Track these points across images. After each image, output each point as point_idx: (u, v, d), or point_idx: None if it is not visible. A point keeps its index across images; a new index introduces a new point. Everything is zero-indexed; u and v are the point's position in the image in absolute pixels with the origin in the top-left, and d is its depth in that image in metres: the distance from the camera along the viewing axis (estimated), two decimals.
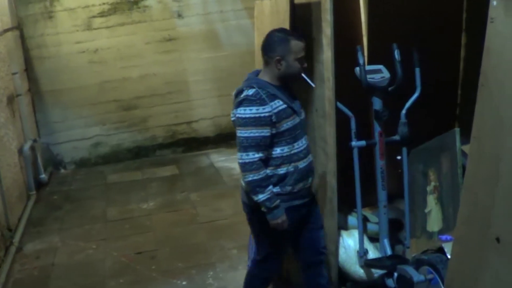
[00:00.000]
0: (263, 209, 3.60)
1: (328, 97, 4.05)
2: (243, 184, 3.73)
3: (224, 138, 9.24)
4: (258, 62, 5.06)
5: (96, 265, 5.57)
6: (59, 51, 8.38)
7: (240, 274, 5.07)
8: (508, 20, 2.07)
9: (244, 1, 8.71)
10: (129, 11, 8.51)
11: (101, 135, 8.85)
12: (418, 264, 4.02)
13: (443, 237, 4.21)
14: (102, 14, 8.41)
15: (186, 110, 9.05)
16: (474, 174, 2.34)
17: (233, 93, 3.63)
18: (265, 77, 3.64)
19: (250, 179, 3.55)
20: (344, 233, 4.56)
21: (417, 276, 3.86)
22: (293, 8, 4.27)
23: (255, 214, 3.79)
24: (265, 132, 3.49)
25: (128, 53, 8.63)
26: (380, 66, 4.35)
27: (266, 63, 3.64)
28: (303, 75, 3.85)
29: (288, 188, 3.69)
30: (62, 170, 8.74)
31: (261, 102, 3.46)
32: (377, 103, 4.22)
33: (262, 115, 3.45)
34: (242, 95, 3.51)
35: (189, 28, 8.79)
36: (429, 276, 3.88)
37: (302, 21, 4.34)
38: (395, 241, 4.70)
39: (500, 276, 2.18)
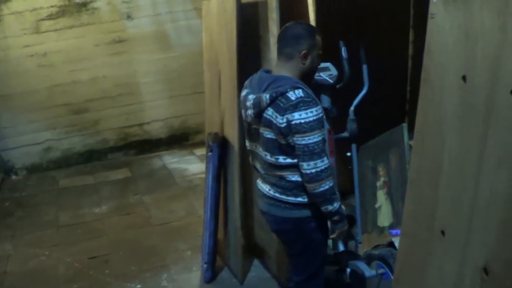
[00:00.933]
0: (336, 217, 3.33)
1: None
2: (296, 199, 3.36)
3: (176, 140, 9.21)
4: (207, 61, 5.06)
5: (49, 272, 5.49)
6: (7, 55, 8.22)
7: (194, 275, 5.08)
8: (447, 16, 2.10)
9: (194, 1, 8.65)
10: (78, 13, 8.40)
11: (52, 139, 8.72)
12: (369, 259, 4.06)
13: (394, 231, 4.26)
14: (50, 17, 8.29)
15: (137, 112, 8.97)
16: (418, 169, 2.37)
17: (268, 96, 3.17)
18: (286, 74, 3.29)
19: (327, 187, 3.17)
20: None
21: (368, 271, 3.90)
22: (240, 7, 4.27)
23: (304, 226, 3.45)
24: (324, 133, 3.22)
25: (78, 56, 8.50)
26: (328, 64, 4.37)
27: (289, 57, 3.29)
28: (322, 74, 3.77)
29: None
30: (13, 176, 8.59)
31: (316, 102, 3.15)
32: (325, 101, 4.24)
33: (321, 115, 3.14)
34: (293, 98, 3.10)
35: (139, 29, 8.70)
36: (381, 271, 3.93)
37: (249, 20, 4.34)
38: (347, 237, 4.73)
39: (445, 267, 2.21)
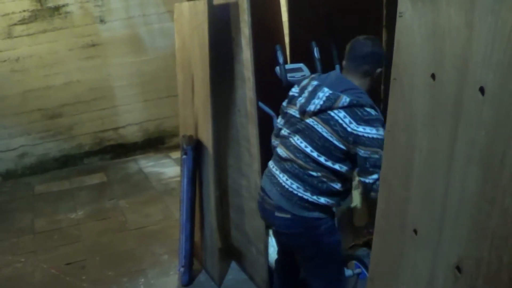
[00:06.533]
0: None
1: (249, 97, 4.05)
2: (312, 197, 3.31)
3: (152, 143, 9.21)
4: (180, 64, 5.05)
5: (25, 279, 5.43)
6: None
7: (172, 279, 5.06)
8: (415, 14, 2.10)
9: (167, 4, 8.64)
10: (50, 17, 8.35)
11: (27, 145, 8.67)
12: (346, 259, 4.05)
13: (370, 231, 4.26)
14: (22, 22, 8.24)
15: (112, 116, 8.95)
16: (389, 168, 2.37)
17: (348, 100, 3.14)
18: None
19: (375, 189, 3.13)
20: (272, 232, 4.56)
21: (345, 271, 3.89)
22: (212, 9, 4.26)
23: (314, 230, 3.40)
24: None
25: (51, 60, 8.46)
26: (301, 65, 4.38)
27: (365, 74, 3.32)
28: None
29: None
30: None
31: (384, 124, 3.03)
32: None
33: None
34: (373, 114, 3.14)
35: (112, 33, 8.68)
36: (357, 271, 3.93)
37: (221, 22, 4.33)
38: None
39: (418, 265, 2.22)
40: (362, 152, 3.12)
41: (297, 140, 3.34)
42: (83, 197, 7.53)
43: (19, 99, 8.41)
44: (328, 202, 3.32)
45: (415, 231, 2.21)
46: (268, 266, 4.44)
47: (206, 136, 4.56)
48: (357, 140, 3.11)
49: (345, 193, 3.43)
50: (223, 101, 4.55)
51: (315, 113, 3.25)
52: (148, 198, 7.21)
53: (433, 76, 2.02)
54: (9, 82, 8.30)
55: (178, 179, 5.17)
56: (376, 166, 3.07)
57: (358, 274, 3.93)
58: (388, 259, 2.48)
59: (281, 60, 4.40)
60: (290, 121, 3.45)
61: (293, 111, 3.43)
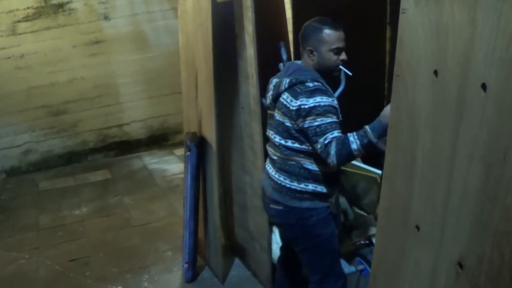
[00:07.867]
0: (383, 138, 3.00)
1: (252, 94, 4.06)
2: (299, 185, 3.36)
3: (156, 140, 9.23)
4: (184, 61, 5.05)
5: (29, 275, 5.43)
6: None
7: (175, 276, 5.06)
8: (418, 11, 2.11)
9: (171, 1, 8.63)
10: (55, 14, 8.35)
11: (31, 142, 8.68)
12: (348, 256, 4.06)
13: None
14: (27, 19, 8.24)
15: (116, 113, 8.96)
16: (392, 165, 2.37)
17: (288, 81, 3.28)
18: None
19: (355, 145, 3.08)
20: (276, 229, 4.57)
21: (348, 268, 3.90)
22: (216, 6, 4.26)
23: (306, 221, 3.41)
24: (338, 120, 3.21)
25: (55, 57, 8.46)
26: None
27: (301, 54, 3.49)
28: (341, 67, 3.63)
29: None
30: None
31: (331, 94, 3.26)
32: None
33: (335, 103, 3.20)
34: (311, 85, 3.19)
35: (116, 30, 8.67)
36: (360, 267, 3.94)
37: (225, 19, 4.33)
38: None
39: (420, 262, 2.22)
40: (302, 125, 3.19)
41: (271, 136, 3.51)
42: (87, 193, 7.54)
43: (23, 96, 8.42)
44: (316, 188, 3.35)
45: (418, 228, 2.22)
46: (272, 263, 4.44)
47: (210, 133, 4.56)
48: (297, 114, 3.20)
49: (331, 175, 3.41)
50: (227, 98, 4.55)
51: (273, 105, 3.43)
52: (152, 195, 7.23)
53: (435, 72, 2.02)
54: (14, 79, 8.31)
55: (182, 176, 5.17)
56: (316, 135, 3.14)
57: (361, 270, 3.93)
58: (390, 256, 2.48)
59: (284, 57, 4.40)
60: (269, 121, 3.60)
61: (269, 112, 3.59)
